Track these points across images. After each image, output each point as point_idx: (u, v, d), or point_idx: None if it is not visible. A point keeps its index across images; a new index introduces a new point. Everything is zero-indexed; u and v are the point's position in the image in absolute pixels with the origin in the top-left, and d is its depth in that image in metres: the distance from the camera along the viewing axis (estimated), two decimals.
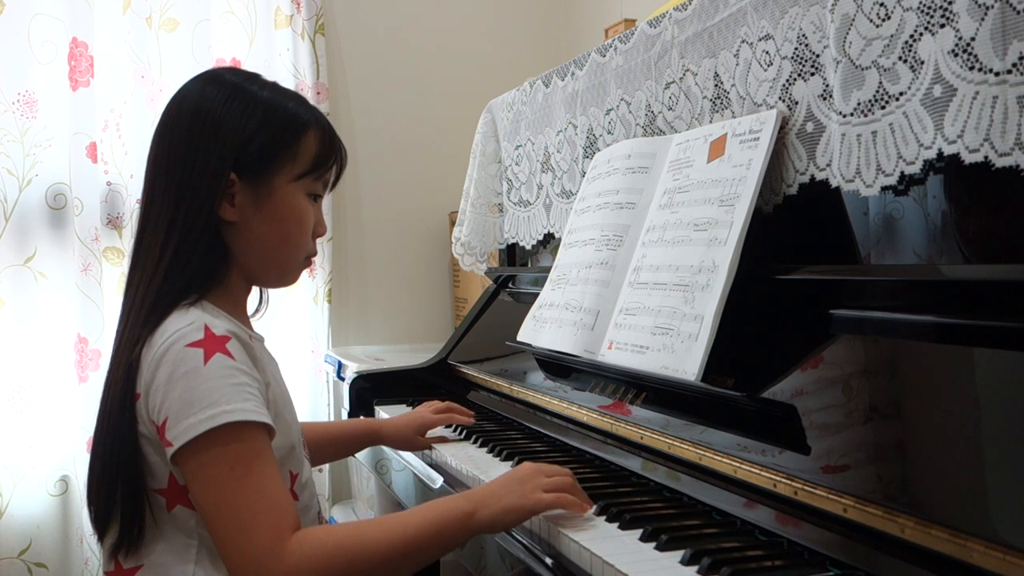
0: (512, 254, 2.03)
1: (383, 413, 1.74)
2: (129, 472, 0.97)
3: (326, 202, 1.07)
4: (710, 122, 1.25)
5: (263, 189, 1.03)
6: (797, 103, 1.08)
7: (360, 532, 0.95)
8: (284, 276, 1.11)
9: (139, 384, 0.96)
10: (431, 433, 1.46)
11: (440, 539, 0.95)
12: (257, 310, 1.18)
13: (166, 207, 1.02)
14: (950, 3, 0.83)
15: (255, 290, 1.14)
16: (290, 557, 0.90)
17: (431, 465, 1.39)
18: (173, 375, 0.93)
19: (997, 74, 0.79)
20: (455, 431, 1.50)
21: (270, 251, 1.06)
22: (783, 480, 0.87)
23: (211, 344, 0.95)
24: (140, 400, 0.96)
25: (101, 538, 1.01)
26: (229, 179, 1.01)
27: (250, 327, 1.10)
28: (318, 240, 1.13)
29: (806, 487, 0.84)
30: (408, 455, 1.47)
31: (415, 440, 1.43)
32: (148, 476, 0.97)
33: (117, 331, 1.03)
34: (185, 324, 0.96)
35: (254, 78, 1.08)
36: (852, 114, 0.97)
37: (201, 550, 0.97)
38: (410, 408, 1.74)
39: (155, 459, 0.97)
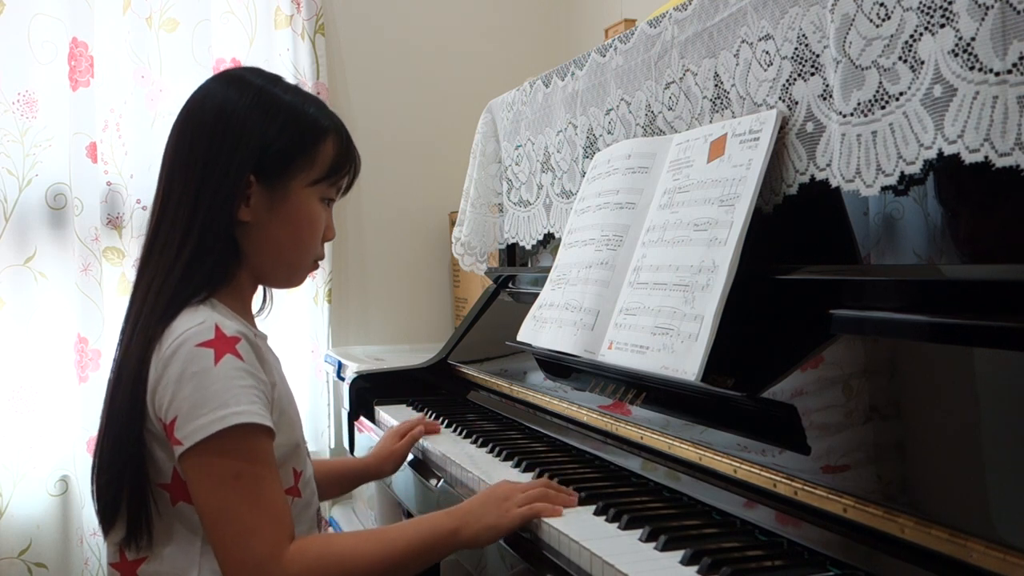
0: (512, 254, 2.03)
1: (383, 413, 1.74)
2: (136, 467, 0.97)
3: None
4: (710, 122, 1.25)
5: (279, 192, 1.05)
6: (797, 103, 1.07)
7: (355, 547, 0.98)
8: (291, 277, 1.12)
9: (148, 381, 0.97)
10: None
11: (426, 555, 1.00)
12: (261, 309, 1.18)
13: (185, 205, 1.02)
14: (950, 3, 0.83)
15: (259, 288, 1.15)
16: (290, 566, 0.92)
17: (430, 465, 1.40)
18: (183, 374, 0.94)
19: (997, 74, 0.79)
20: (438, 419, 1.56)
21: (281, 252, 1.07)
22: (783, 480, 0.87)
23: (222, 345, 0.96)
24: (147, 396, 0.97)
25: (107, 532, 1.02)
26: (247, 180, 1.02)
27: (255, 325, 1.11)
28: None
29: (806, 487, 0.84)
30: (408, 456, 1.47)
31: (398, 459, 1.42)
32: (152, 471, 0.98)
33: (125, 327, 1.03)
34: (196, 323, 0.97)
35: (277, 81, 1.09)
36: (852, 114, 0.97)
37: (206, 543, 0.97)
38: (409, 408, 1.76)
39: (160, 455, 0.97)
